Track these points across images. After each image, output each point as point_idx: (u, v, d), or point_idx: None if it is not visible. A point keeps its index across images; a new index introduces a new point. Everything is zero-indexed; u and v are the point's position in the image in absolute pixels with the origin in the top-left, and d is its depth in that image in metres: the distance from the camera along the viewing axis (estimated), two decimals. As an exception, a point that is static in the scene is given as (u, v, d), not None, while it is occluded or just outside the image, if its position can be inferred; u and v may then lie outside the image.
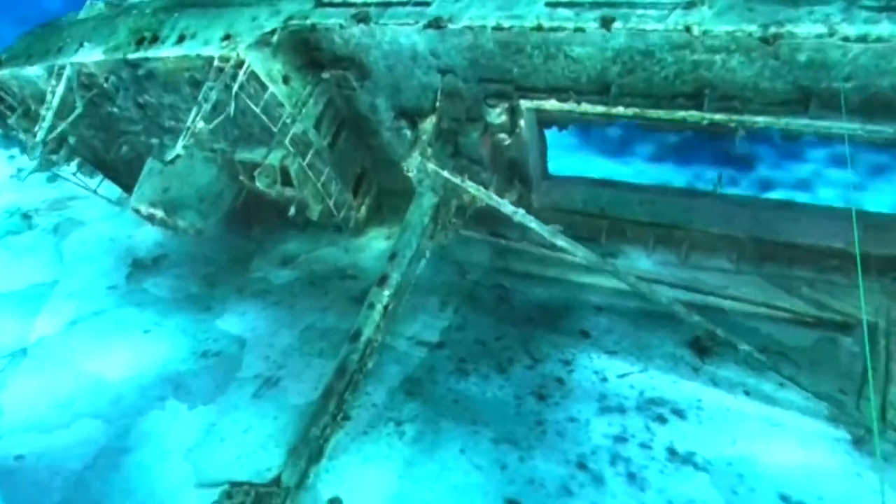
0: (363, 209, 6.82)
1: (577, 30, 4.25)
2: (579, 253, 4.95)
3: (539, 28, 4.34)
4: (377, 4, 4.90)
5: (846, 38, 3.69)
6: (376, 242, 6.79)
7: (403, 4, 4.83)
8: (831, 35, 3.69)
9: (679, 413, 4.64)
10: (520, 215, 5.00)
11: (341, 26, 4.91)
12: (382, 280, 4.96)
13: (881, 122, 4.14)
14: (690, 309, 4.91)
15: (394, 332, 5.47)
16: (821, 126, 4.29)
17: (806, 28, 3.73)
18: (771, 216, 5.69)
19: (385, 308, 4.88)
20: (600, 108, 4.76)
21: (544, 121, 5.77)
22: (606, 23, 4.15)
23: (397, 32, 4.90)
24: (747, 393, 4.74)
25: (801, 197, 8.38)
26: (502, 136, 5.41)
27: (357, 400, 4.83)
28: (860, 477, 4.08)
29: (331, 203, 6.17)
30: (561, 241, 4.96)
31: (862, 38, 3.66)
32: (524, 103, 5.04)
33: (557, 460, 4.33)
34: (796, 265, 5.68)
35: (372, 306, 4.83)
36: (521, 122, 5.31)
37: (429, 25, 4.61)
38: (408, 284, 5.25)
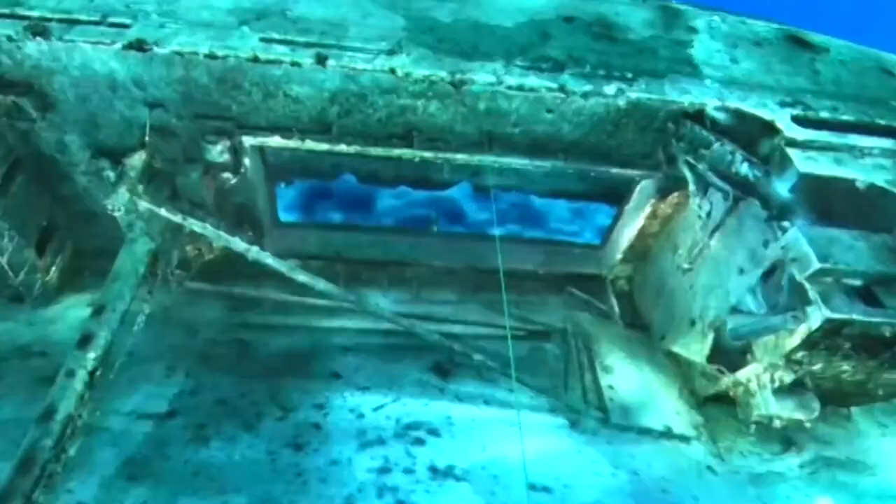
0: (54, 272, 5.54)
1: (293, 64, 4.33)
2: (320, 286, 4.87)
3: (255, 59, 4.28)
4: (61, 21, 4.22)
5: (510, 87, 4.54)
6: (75, 311, 5.54)
7: (97, 24, 4.26)
8: (499, 83, 4.50)
9: (434, 432, 4.80)
10: (254, 252, 4.71)
11: (11, 39, 4.06)
12: (85, 341, 4.05)
13: (543, 159, 5.16)
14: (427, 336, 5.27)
15: (105, 409, 4.46)
16: (503, 162, 5.17)
17: (481, 76, 4.48)
18: (479, 247, 6.53)
19: (91, 374, 3.96)
20: (324, 146, 4.89)
21: (270, 166, 5.65)
22: (321, 59, 4.33)
23: (89, 57, 4.26)
24: (486, 402, 5.19)
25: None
26: (226, 175, 5.08)
27: (55, 501, 3.74)
28: (580, 453, 4.77)
29: (3, 263, 4.86)
30: (301, 276, 4.81)
31: (520, 87, 4.55)
32: (247, 140, 4.86)
33: (323, 508, 4.02)
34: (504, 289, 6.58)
35: (71, 374, 3.86)
36: (246, 161, 5.08)
37: (130, 47, 4.14)
38: (121, 347, 4.39)
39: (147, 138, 4.76)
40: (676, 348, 5.47)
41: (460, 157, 5.14)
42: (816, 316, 3.99)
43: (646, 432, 4.92)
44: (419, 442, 4.66)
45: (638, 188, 5.65)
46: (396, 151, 4.98)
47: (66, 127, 4.77)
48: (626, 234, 5.97)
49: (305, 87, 4.59)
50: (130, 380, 4.79)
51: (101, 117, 4.72)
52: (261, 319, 5.92)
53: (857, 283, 4.15)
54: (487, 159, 5.16)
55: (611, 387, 5.29)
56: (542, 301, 6.53)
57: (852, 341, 4.07)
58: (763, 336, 4.35)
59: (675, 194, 5.55)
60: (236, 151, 4.95)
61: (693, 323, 5.32)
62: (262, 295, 5.93)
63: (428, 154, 5.00)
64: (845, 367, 4.29)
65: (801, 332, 4.10)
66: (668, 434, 4.91)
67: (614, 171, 5.31)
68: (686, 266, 5.47)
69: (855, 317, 3.94)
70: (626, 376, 5.45)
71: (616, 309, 6.27)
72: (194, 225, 4.78)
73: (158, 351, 5.30)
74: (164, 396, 4.82)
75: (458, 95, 4.70)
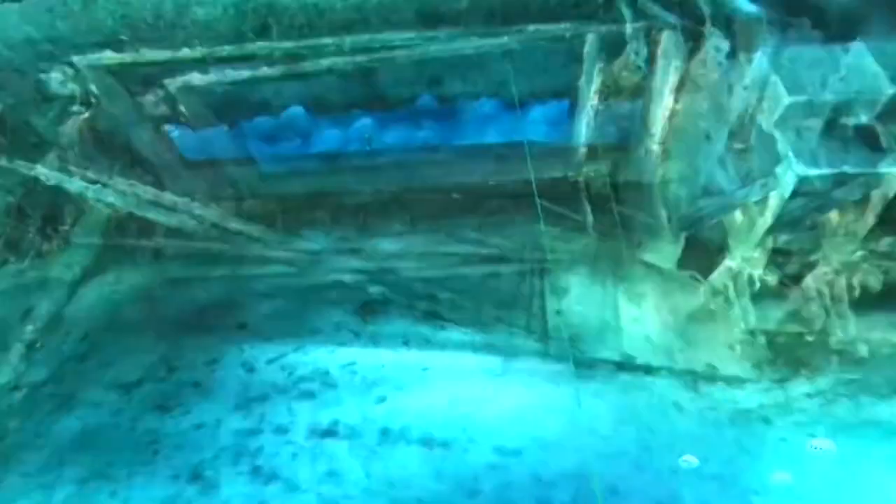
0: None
1: None
2: (254, 232, 4.24)
3: None
4: None
5: None
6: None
7: None
8: None
9: (330, 384, 3.98)
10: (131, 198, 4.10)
11: None
12: None
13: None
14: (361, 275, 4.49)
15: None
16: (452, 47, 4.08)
17: None
18: (422, 161, 5.48)
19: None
20: (166, 54, 4.05)
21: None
22: None
23: None
24: (406, 343, 4.28)
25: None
26: (77, 108, 4.42)
27: None
28: (504, 394, 3.75)
29: None
30: (233, 224, 4.21)
31: None
32: (79, 60, 4.13)
33: (164, 480, 3.36)
34: (463, 213, 5.53)
35: None
36: (93, 87, 4.37)
37: None
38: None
39: None
40: (650, 257, 4.21)
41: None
42: (789, 176, 2.67)
43: (595, 364, 3.79)
44: (308, 396, 3.87)
45: (585, 53, 4.31)
46: (252, 47, 4.06)
47: None
48: (584, 120, 4.67)
49: None
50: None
51: None
52: (182, 272, 5.35)
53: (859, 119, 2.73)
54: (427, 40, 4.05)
55: (558, 312, 4.16)
56: (508, 219, 5.42)
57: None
58: (726, 213, 3.07)
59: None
60: (77, 76, 4.25)
61: (669, 220, 4.06)
62: (185, 245, 5.38)
63: (288, 44, 4.03)
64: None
65: (773, 204, 2.79)
66: (626, 365, 3.74)
67: (541, 28, 4.02)
68: (656, 147, 4.16)
69: (846, 169, 2.58)
70: (583, 299, 4.29)
71: (590, 218, 5.02)
72: (46, 174, 4.20)
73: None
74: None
75: None
